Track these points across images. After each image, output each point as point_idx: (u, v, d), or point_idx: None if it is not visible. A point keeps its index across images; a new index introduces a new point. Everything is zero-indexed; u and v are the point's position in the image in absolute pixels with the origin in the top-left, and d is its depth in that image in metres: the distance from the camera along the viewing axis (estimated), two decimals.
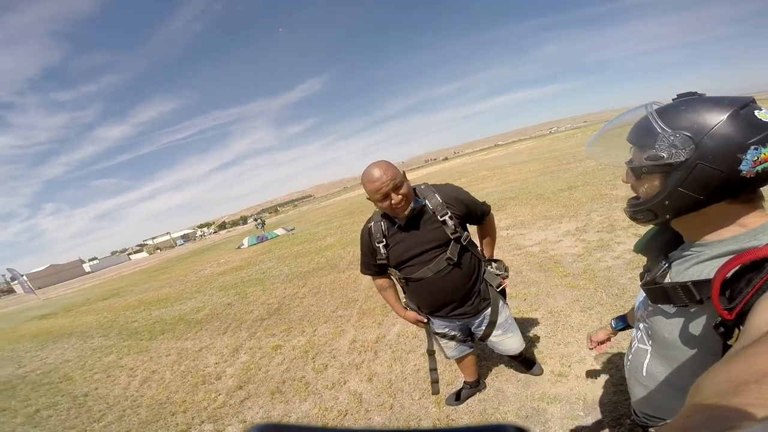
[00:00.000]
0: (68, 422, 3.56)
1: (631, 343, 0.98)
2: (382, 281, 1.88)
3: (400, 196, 1.51)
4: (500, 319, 1.86)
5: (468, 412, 2.20)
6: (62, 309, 13.55)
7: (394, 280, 1.87)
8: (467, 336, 1.97)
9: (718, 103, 0.64)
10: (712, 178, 0.63)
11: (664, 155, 0.66)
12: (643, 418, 0.94)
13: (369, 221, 1.78)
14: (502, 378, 2.40)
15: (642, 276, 0.89)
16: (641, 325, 0.92)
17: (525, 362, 2.31)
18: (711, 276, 0.62)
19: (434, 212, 1.62)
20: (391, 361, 2.98)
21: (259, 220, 25.24)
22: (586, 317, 2.84)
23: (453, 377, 2.55)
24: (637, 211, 0.77)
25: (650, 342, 0.86)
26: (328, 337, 3.82)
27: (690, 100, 0.67)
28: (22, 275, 26.26)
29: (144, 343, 5.62)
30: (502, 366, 2.50)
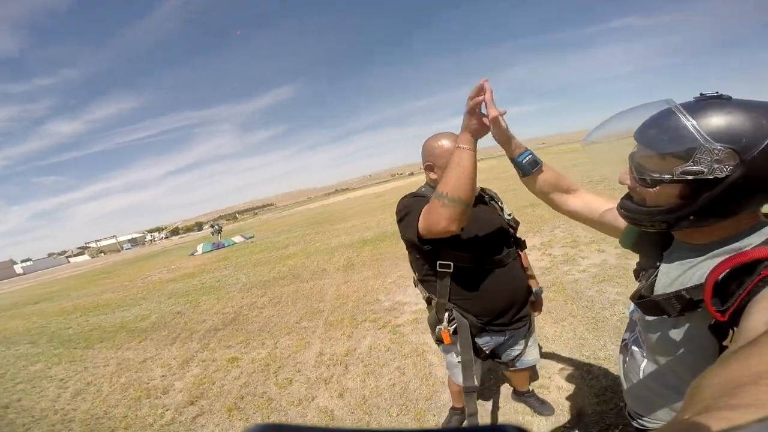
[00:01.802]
0: None
1: (626, 347, 0.94)
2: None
3: None
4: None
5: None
6: None
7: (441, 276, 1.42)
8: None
9: (763, 112, 0.57)
10: (751, 194, 0.59)
11: (704, 170, 0.58)
12: (639, 421, 0.90)
13: (419, 189, 1.49)
14: (483, 390, 2.30)
15: (636, 273, 0.86)
16: (636, 329, 0.89)
17: (534, 399, 2.04)
18: (702, 280, 0.61)
19: (493, 198, 1.49)
20: (363, 376, 2.79)
21: (215, 227, 24.12)
22: (560, 329, 2.83)
23: (430, 392, 2.41)
24: (645, 218, 0.70)
25: (645, 346, 0.84)
26: (292, 349, 3.56)
27: (726, 105, 0.59)
28: None
29: (78, 352, 5.08)
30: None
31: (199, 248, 17.73)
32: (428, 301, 1.50)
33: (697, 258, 0.69)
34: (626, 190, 0.77)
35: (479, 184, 1.29)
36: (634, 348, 0.89)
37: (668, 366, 0.77)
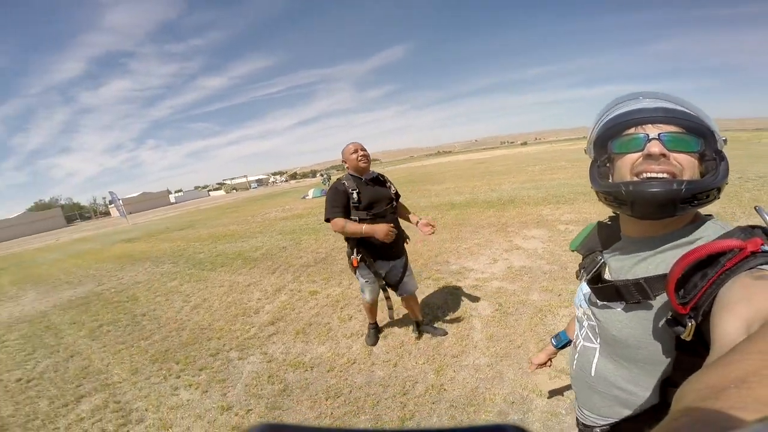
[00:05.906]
0: (122, 338, 3.95)
1: (575, 343, 0.95)
2: (341, 219, 2.33)
3: (365, 152, 2.43)
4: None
5: (462, 386, 2.29)
6: (145, 234, 14.61)
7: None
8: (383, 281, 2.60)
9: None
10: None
11: (722, 151, 0.66)
12: (590, 418, 0.90)
13: (340, 180, 2.43)
14: (505, 363, 2.46)
15: (578, 273, 0.89)
16: (585, 323, 0.88)
17: (430, 327, 2.98)
18: (664, 271, 0.62)
19: (385, 181, 2.59)
20: (408, 327, 3.09)
21: (325, 175, 26.20)
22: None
23: (460, 350, 2.65)
24: (708, 189, 0.63)
25: (598, 340, 0.83)
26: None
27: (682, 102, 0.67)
28: (119, 199, 28.89)
29: (204, 273, 6.20)
30: (509, 351, 2.56)
31: (310, 193, 19.62)
32: (346, 241, 2.49)
33: (648, 251, 0.71)
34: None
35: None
36: (586, 344, 0.88)
37: (622, 363, 0.77)
